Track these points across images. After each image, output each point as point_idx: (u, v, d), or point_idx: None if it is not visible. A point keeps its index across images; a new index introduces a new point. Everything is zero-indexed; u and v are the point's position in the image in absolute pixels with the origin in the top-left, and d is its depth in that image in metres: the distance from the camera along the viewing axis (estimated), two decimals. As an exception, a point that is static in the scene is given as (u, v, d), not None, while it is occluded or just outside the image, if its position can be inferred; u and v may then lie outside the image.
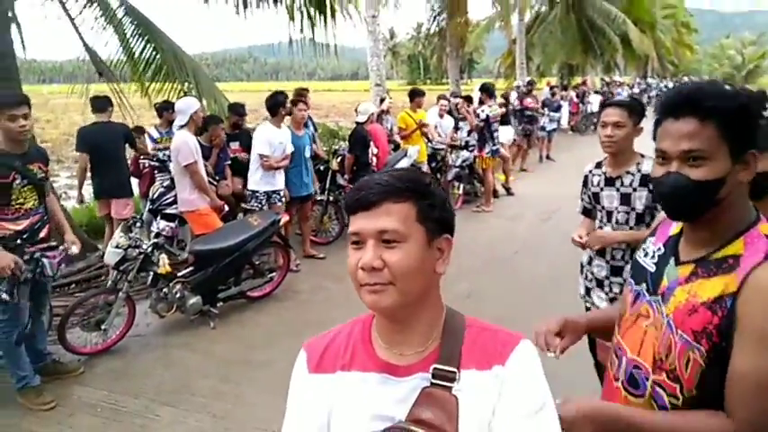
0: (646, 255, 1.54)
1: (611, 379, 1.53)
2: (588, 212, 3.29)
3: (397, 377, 1.11)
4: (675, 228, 1.49)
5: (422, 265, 1.07)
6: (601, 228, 3.14)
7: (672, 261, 1.43)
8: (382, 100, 10.07)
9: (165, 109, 7.36)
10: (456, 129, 9.55)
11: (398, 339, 1.13)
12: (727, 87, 1.34)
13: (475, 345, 1.12)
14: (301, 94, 7.75)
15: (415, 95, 9.09)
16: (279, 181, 6.43)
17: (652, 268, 1.48)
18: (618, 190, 3.04)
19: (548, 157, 14.18)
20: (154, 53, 8.10)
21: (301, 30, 8.27)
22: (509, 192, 10.27)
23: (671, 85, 42.56)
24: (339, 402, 1.14)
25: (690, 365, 1.30)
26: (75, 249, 4.13)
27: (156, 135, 7.21)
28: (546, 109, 14.27)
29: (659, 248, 1.50)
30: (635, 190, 2.98)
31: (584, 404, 1.37)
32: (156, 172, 6.75)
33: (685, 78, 52.83)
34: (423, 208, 1.08)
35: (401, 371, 1.11)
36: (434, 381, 1.07)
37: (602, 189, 3.10)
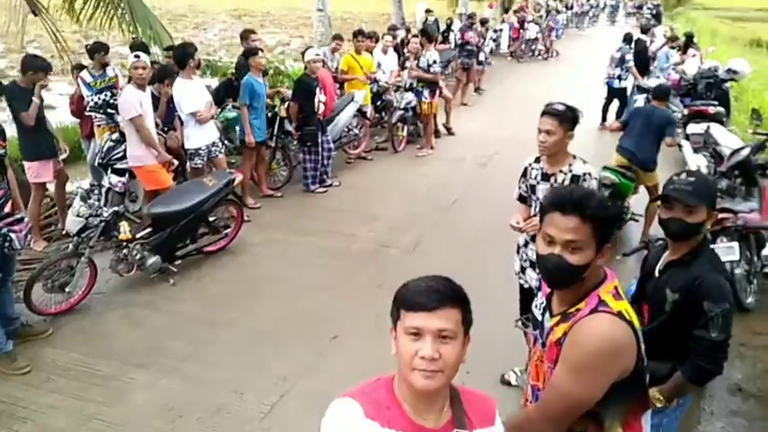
0: (536, 307, 2.07)
1: (525, 402, 2.12)
2: (524, 200, 3.70)
3: None
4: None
5: (462, 357, 1.45)
6: (536, 215, 3.57)
7: (547, 314, 1.94)
8: (334, 45, 9.74)
9: (97, 51, 7.05)
10: (402, 68, 9.59)
11: (423, 408, 1.48)
12: (604, 200, 1.88)
13: (472, 409, 1.55)
14: (248, 37, 7.68)
15: (359, 38, 9.05)
16: (213, 132, 6.58)
17: (540, 317, 2.01)
18: (552, 185, 3.44)
19: (477, 89, 14.27)
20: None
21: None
22: (450, 131, 10.57)
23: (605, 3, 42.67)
24: None
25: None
26: None
27: (89, 79, 6.93)
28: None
29: (542, 301, 2.03)
30: None
31: None
32: (93, 116, 6.66)
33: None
34: (465, 313, 1.46)
35: None
36: None
37: (538, 182, 3.51)
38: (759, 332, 4.70)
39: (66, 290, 4.75)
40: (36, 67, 5.58)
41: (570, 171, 3.36)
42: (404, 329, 1.43)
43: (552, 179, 3.43)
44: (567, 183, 3.37)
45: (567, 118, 3.33)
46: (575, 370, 1.76)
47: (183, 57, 6.26)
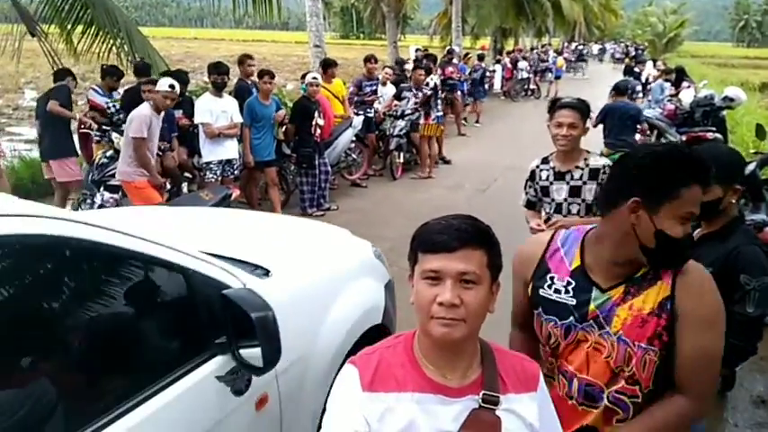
0: (557, 292, 1.69)
1: (563, 397, 1.71)
2: (533, 205, 3.53)
3: (450, 397, 1.28)
4: (572, 262, 1.69)
5: (487, 304, 1.27)
6: (548, 219, 3.42)
7: (594, 290, 1.63)
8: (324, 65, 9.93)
9: (111, 74, 7.16)
10: (398, 98, 9.62)
11: (447, 365, 1.30)
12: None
13: (508, 370, 1.34)
14: (245, 62, 7.70)
15: (326, 67, 8.94)
16: (230, 150, 6.59)
17: (572, 301, 1.65)
18: (568, 183, 3.29)
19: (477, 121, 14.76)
20: (83, 10, 7.72)
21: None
22: (445, 161, 10.56)
23: (596, 49, 43.81)
24: (397, 420, 1.26)
25: (646, 366, 1.58)
26: None
27: (100, 92, 7.09)
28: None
29: (569, 283, 1.68)
30: (585, 183, 3.25)
31: None
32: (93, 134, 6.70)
33: (608, 44, 54.57)
34: (492, 256, 1.27)
35: (453, 392, 1.28)
36: (483, 405, 1.27)
37: (551, 183, 3.35)
38: (777, 346, 4.53)
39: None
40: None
41: (587, 165, 3.24)
42: (421, 273, 1.26)
43: (568, 177, 3.28)
44: (585, 178, 3.24)
45: (585, 111, 3.24)
46: (717, 324, 1.56)
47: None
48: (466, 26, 25.89)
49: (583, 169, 3.23)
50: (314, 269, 2.63)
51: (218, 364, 1.84)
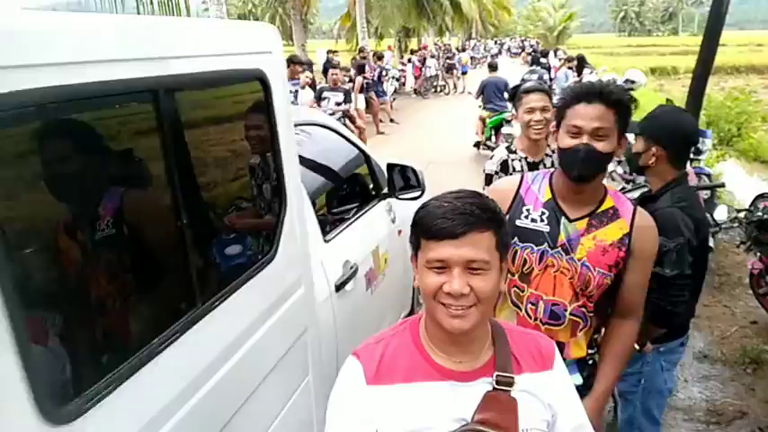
0: (533, 221, 1.88)
1: (529, 322, 1.88)
2: None
3: (462, 382, 1.22)
4: (544, 195, 1.90)
5: (498, 286, 1.19)
6: None
7: (563, 220, 1.84)
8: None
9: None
10: (319, 99, 9.53)
11: (456, 350, 1.23)
12: (620, 87, 1.92)
13: (521, 350, 1.29)
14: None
15: None
16: None
17: (546, 228, 1.86)
18: None
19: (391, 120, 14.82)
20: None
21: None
22: (370, 159, 10.54)
23: (494, 47, 45.49)
24: (408, 412, 1.19)
25: (601, 287, 1.83)
26: None
27: None
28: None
29: (542, 212, 1.88)
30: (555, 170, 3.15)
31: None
32: None
33: (506, 39, 56.84)
34: (500, 237, 1.19)
35: (465, 376, 1.22)
36: (497, 386, 1.21)
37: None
38: (707, 304, 4.86)
39: None
40: None
41: (554, 152, 2.90)
42: (426, 262, 1.17)
43: (541, 166, 3.00)
44: (556, 164, 3.06)
45: (550, 93, 3.07)
46: (652, 262, 1.87)
47: None
48: (370, 27, 26.10)
49: (551, 156, 3.01)
50: None
51: (383, 204, 3.52)
